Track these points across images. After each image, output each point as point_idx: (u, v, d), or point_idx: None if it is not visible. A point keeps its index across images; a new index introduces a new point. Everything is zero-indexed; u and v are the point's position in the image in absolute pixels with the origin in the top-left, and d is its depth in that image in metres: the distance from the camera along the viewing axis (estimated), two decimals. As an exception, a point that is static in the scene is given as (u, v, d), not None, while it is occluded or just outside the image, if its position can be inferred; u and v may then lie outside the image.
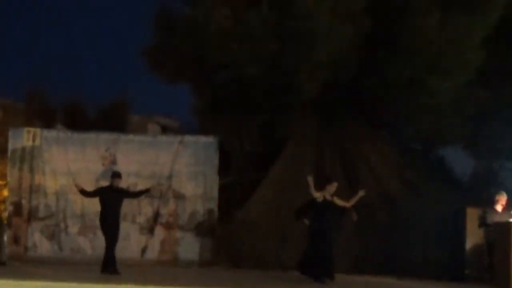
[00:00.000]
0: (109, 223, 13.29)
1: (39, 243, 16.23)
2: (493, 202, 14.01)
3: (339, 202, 12.89)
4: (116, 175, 13.68)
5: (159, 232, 16.44)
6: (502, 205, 13.89)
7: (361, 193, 13.00)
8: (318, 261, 12.64)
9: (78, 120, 20.68)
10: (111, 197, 13.38)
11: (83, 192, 14.02)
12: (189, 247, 16.36)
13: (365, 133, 17.05)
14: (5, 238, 15.69)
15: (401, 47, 15.13)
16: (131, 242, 16.23)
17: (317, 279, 12.55)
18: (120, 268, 13.13)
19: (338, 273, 13.01)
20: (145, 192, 14.56)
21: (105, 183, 14.42)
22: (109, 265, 13.13)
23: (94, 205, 13.80)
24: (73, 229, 16.28)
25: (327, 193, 12.76)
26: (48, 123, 20.07)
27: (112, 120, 20.74)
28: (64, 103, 21.78)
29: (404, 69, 15.20)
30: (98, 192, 13.84)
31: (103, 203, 13.44)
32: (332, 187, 12.84)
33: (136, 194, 14.82)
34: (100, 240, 13.87)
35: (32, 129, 16.87)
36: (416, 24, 14.81)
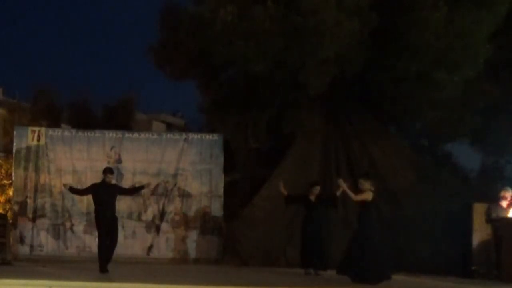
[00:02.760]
0: (105, 221, 12.86)
1: (45, 242, 16.29)
2: (498, 198, 13.83)
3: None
4: (108, 170, 13.20)
5: (165, 230, 16.47)
6: (508, 201, 13.69)
7: None
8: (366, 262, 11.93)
9: (84, 119, 20.64)
10: (104, 194, 12.91)
11: (73, 191, 13.81)
12: (195, 245, 16.40)
13: (372, 129, 16.93)
14: (11, 237, 15.62)
15: (409, 42, 14.98)
16: (137, 240, 16.31)
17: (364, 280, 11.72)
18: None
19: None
20: (140, 189, 14.39)
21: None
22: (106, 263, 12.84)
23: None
24: (79, 227, 16.33)
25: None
26: (54, 122, 20.05)
27: (117, 118, 20.70)
28: (70, 101, 21.80)
29: (411, 63, 15.05)
30: (90, 190, 13.42)
31: (96, 200, 13.04)
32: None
33: (130, 191, 14.69)
34: (105, 238, 13.75)
35: (36, 128, 16.86)
36: (423, 18, 14.66)
